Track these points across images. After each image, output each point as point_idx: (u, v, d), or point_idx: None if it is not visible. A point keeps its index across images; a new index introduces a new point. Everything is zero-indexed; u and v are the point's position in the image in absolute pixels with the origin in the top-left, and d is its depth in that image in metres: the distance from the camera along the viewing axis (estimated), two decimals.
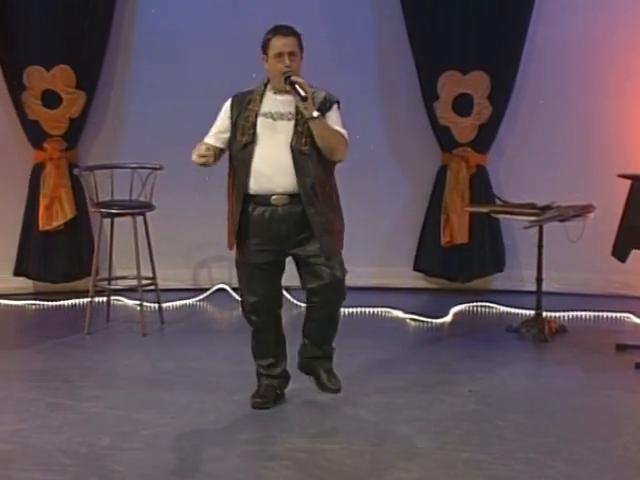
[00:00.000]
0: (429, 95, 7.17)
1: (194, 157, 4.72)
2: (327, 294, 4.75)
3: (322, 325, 4.88)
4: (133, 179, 6.43)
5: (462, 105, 7.17)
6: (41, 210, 7.04)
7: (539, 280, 6.31)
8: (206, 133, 7.01)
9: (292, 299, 6.49)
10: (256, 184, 4.68)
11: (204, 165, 4.73)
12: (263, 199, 4.68)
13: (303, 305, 6.85)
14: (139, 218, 6.32)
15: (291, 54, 4.68)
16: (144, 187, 6.42)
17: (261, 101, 4.72)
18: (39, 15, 6.92)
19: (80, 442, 4.45)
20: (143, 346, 6.09)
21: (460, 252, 7.23)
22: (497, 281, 7.38)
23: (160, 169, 6.45)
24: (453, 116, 7.19)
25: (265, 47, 4.74)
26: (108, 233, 6.50)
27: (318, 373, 4.92)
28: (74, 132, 7.12)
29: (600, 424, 4.75)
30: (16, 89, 7.01)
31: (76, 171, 6.57)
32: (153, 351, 6.01)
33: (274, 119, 4.70)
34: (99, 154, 7.19)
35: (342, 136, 4.73)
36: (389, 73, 7.32)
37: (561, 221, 6.14)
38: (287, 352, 5.00)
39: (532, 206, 6.22)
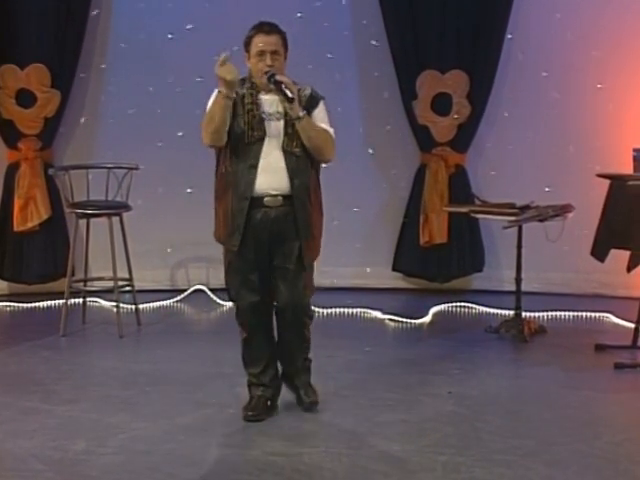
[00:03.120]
0: (408, 94, 7.15)
1: (218, 70, 4.42)
2: (293, 313, 4.69)
3: (291, 344, 4.81)
4: (109, 179, 6.37)
5: (441, 104, 7.15)
6: (16, 211, 6.97)
7: (518, 280, 6.30)
8: (183, 133, 7.09)
9: None
10: (257, 184, 4.56)
11: (230, 84, 4.40)
12: (257, 200, 4.57)
13: None
14: (115, 219, 6.26)
15: (274, 53, 4.55)
16: (120, 187, 6.37)
17: (259, 98, 4.58)
18: (13, 13, 6.83)
19: (54, 447, 4.39)
20: (119, 348, 6.03)
21: (439, 252, 7.21)
22: (476, 281, 7.36)
23: (136, 169, 6.40)
24: (432, 115, 7.16)
25: (247, 45, 4.60)
26: (84, 234, 6.44)
27: (295, 388, 4.89)
28: (49, 131, 7.05)
29: (579, 425, 4.73)
30: None
31: (51, 171, 6.50)
32: (129, 353, 5.95)
33: (264, 119, 4.59)
34: (75, 154, 7.13)
35: (329, 135, 4.65)
36: (368, 72, 7.29)
37: (540, 221, 6.13)
38: (277, 361, 4.88)
39: (511, 206, 6.20)
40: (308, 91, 4.64)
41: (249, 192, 4.55)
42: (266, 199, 4.56)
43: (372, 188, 7.35)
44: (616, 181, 5.86)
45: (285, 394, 5.03)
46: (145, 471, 4.17)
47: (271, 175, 4.55)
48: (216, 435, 4.55)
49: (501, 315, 6.61)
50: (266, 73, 4.53)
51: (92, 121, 7.24)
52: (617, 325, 6.52)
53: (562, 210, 6.16)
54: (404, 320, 6.58)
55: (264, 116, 4.57)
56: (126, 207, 6.32)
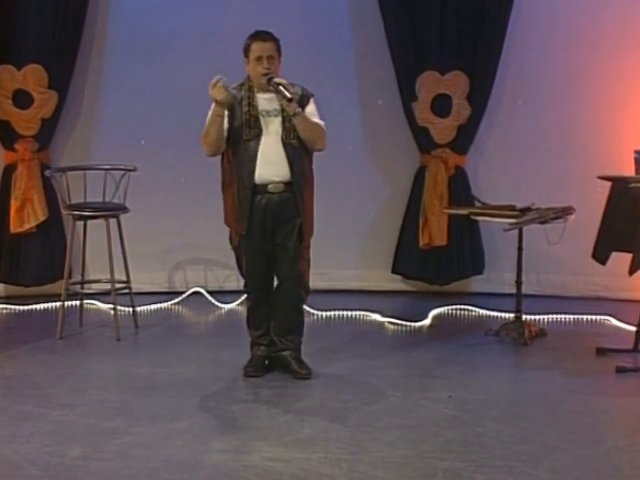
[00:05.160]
0: (407, 96, 7.10)
1: (211, 92, 5.05)
2: (292, 285, 5.30)
3: (288, 316, 5.36)
4: (106, 181, 6.33)
5: (441, 106, 7.10)
6: (12, 212, 6.91)
7: (519, 283, 6.26)
8: (181, 135, 7.05)
9: None
10: (258, 174, 5.17)
11: (221, 104, 5.06)
12: (261, 187, 5.18)
13: None
14: (112, 220, 6.22)
15: (270, 57, 5.17)
16: (117, 189, 6.32)
17: (255, 99, 5.20)
18: (10, 14, 6.78)
19: (50, 452, 4.34)
20: (116, 351, 5.98)
21: (439, 254, 7.16)
22: (476, 284, 7.31)
23: (134, 170, 6.36)
24: (432, 117, 7.12)
25: (246, 51, 5.22)
26: (81, 236, 6.39)
27: (288, 361, 5.36)
28: (46, 133, 7.00)
29: (581, 430, 4.69)
30: None
31: (48, 172, 6.45)
32: (127, 357, 5.90)
33: (263, 116, 5.20)
34: (72, 155, 7.07)
35: (321, 128, 5.26)
36: (367, 73, 7.24)
37: (541, 223, 6.08)
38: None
39: (512, 208, 6.15)
40: (299, 90, 5.25)
41: (251, 182, 5.17)
42: (270, 186, 5.19)
43: (371, 190, 7.30)
44: (618, 183, 5.83)
45: (281, 399, 5.00)
46: (142, 477, 4.13)
47: (273, 165, 5.18)
48: (214, 440, 4.50)
49: (501, 318, 6.57)
50: (265, 75, 5.14)
51: (89, 122, 7.18)
52: (618, 328, 6.47)
53: (563, 212, 6.12)
54: (404, 323, 6.54)
55: (263, 113, 5.18)
56: (123, 209, 6.27)
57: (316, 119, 5.25)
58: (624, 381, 5.43)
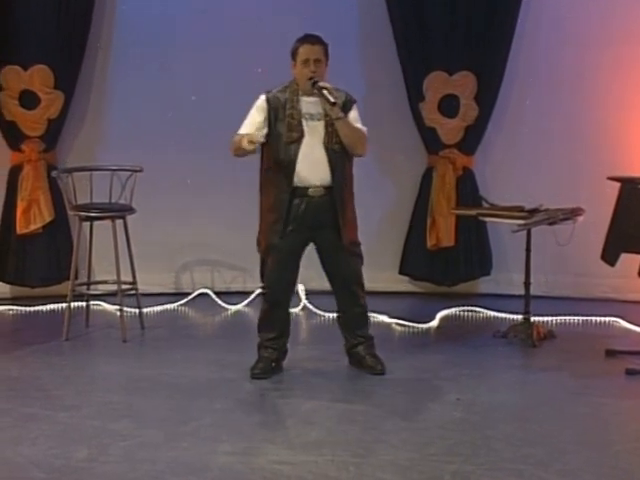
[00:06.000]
0: (415, 96, 7.07)
1: (244, 144, 5.05)
2: (346, 282, 5.41)
3: (350, 312, 5.46)
4: (113, 181, 6.30)
5: (448, 106, 7.07)
6: (19, 213, 6.89)
7: (527, 284, 6.22)
8: (188, 135, 7.03)
9: None
10: (298, 177, 5.20)
11: (248, 152, 5.09)
12: (301, 191, 5.21)
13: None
14: (119, 221, 6.19)
15: (317, 61, 5.20)
16: (124, 190, 6.30)
17: (299, 102, 5.21)
18: (16, 14, 6.76)
19: (55, 454, 4.31)
20: (123, 353, 5.95)
21: (446, 255, 7.12)
22: (484, 285, 7.28)
23: (140, 171, 6.33)
24: (439, 117, 7.08)
25: (294, 54, 5.26)
26: (87, 237, 6.37)
27: (362, 356, 5.45)
28: (53, 133, 6.98)
29: (591, 433, 4.65)
30: None
31: (54, 173, 6.43)
32: (133, 358, 5.87)
33: (306, 119, 5.22)
34: (78, 156, 7.05)
35: (362, 133, 5.33)
36: (375, 74, 7.21)
37: (550, 224, 6.04)
38: (289, 330, 5.46)
39: (520, 209, 6.12)
40: (343, 95, 5.28)
41: (290, 185, 5.20)
42: (310, 190, 5.22)
43: (379, 191, 7.26)
44: (627, 184, 5.78)
45: (288, 401, 4.97)
46: (148, 479, 4.09)
47: (314, 169, 5.20)
48: (221, 442, 4.47)
49: (509, 320, 6.53)
50: (310, 79, 5.16)
51: (96, 123, 7.16)
52: (628, 330, 6.43)
53: (572, 213, 6.08)
54: (411, 324, 6.51)
55: (307, 117, 5.21)
56: (130, 210, 6.25)
57: (358, 124, 5.30)
58: (634, 383, 5.39)
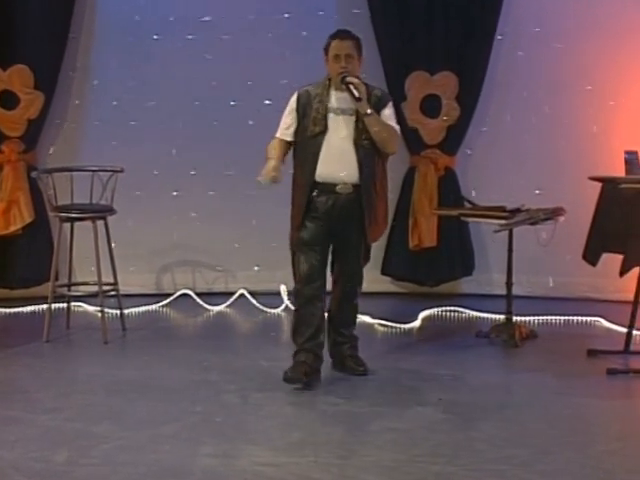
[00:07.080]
0: (396, 96, 7.03)
1: (263, 172, 5.10)
2: (348, 280, 5.32)
3: (344, 309, 5.40)
4: (93, 182, 6.26)
5: (430, 106, 7.07)
6: None
7: (509, 284, 6.22)
8: (169, 136, 7.01)
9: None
10: (323, 173, 5.17)
11: (273, 181, 5.09)
12: (328, 187, 5.17)
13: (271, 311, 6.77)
14: (99, 222, 6.15)
15: (348, 56, 5.20)
16: (105, 190, 6.26)
17: (328, 96, 5.21)
18: None
19: (36, 457, 4.27)
20: (104, 354, 5.92)
21: (429, 256, 7.13)
22: (466, 285, 7.29)
23: (121, 172, 6.29)
24: (421, 117, 7.09)
25: (326, 49, 5.26)
26: (68, 237, 6.33)
27: (344, 357, 5.42)
28: (32, 134, 6.94)
29: (573, 433, 4.65)
30: None
31: (34, 174, 6.39)
32: (114, 360, 5.84)
33: (337, 114, 5.20)
34: (58, 156, 7.01)
35: (394, 131, 5.30)
36: None
37: (531, 224, 6.05)
38: (324, 333, 5.32)
39: (502, 209, 6.12)
40: (379, 92, 5.32)
41: (311, 178, 5.16)
42: (339, 186, 5.17)
43: None
44: (608, 184, 5.79)
45: (271, 402, 4.95)
46: None
47: (343, 165, 5.17)
48: (203, 444, 4.44)
49: (492, 320, 6.54)
50: (339, 74, 5.16)
51: (76, 123, 7.13)
52: (609, 330, 6.45)
53: (553, 213, 6.10)
54: (393, 325, 6.50)
55: (338, 112, 5.18)
56: (111, 210, 6.21)
57: (391, 122, 5.26)
58: (615, 383, 5.40)
